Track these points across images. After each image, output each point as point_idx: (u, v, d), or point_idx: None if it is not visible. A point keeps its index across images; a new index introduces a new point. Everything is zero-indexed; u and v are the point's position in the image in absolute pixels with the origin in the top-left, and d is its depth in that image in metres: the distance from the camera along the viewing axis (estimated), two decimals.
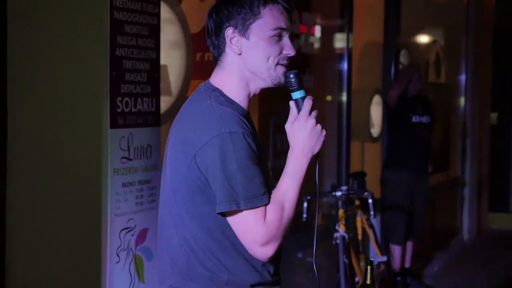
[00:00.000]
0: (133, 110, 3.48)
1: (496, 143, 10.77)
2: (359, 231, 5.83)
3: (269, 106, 5.41)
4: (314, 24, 6.03)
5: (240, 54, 2.32)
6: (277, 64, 2.32)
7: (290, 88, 2.32)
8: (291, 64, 5.55)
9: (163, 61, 3.84)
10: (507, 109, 11.44)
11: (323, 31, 6.29)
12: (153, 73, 3.62)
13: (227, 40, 2.32)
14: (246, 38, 2.31)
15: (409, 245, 6.87)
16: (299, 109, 2.31)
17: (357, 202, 5.79)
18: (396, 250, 6.71)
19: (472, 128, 9.42)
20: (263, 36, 2.30)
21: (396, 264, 6.73)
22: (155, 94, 3.64)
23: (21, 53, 3.39)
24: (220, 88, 2.34)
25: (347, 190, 5.35)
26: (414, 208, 6.76)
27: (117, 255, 3.40)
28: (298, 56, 5.56)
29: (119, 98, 3.39)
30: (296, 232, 5.81)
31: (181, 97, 4.41)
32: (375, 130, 7.36)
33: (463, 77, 9.42)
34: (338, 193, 5.28)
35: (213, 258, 2.29)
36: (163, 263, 2.40)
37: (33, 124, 3.40)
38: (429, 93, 7.88)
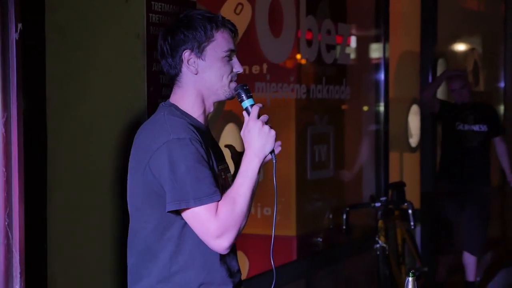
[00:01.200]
0: None
1: None
2: (399, 242, 5.79)
3: (306, 118, 5.40)
4: (350, 34, 6.02)
5: (196, 74, 2.64)
6: (230, 81, 2.66)
7: (239, 99, 2.63)
8: (331, 75, 5.54)
9: None
10: None
11: (359, 41, 6.27)
12: None
13: (184, 61, 2.65)
14: (202, 59, 2.65)
15: (472, 259, 6.70)
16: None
17: (396, 213, 5.75)
18: (440, 260, 6.64)
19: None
20: (217, 57, 2.64)
21: (440, 276, 6.66)
22: None
23: (60, 70, 3.42)
24: (177, 104, 2.67)
25: (386, 201, 5.32)
26: (467, 221, 6.62)
27: None
28: (334, 67, 5.59)
29: None
30: (336, 243, 5.79)
31: (219, 111, 4.44)
32: (414, 140, 7.31)
33: (502, 85, 9.33)
34: (378, 204, 5.26)
35: (158, 260, 2.58)
36: (129, 264, 2.77)
37: (72, 141, 3.42)
38: (484, 101, 7.78)
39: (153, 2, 3.39)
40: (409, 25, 7.27)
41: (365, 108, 6.55)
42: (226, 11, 4.68)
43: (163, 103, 2.71)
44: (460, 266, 6.80)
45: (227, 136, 4.65)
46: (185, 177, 2.43)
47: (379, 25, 6.42)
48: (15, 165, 2.34)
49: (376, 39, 6.47)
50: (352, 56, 6.14)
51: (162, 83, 3.44)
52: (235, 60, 2.69)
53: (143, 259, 2.64)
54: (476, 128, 6.55)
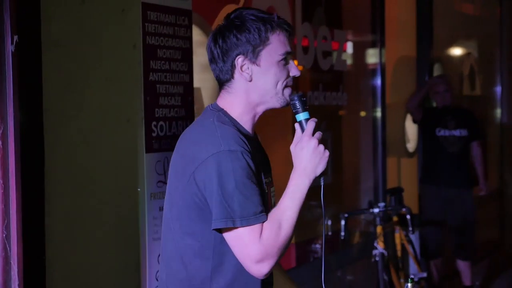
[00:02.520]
0: (168, 134, 3.50)
1: None
2: (398, 247, 5.78)
3: None
4: (346, 40, 6.02)
5: (250, 81, 2.39)
6: (285, 87, 2.40)
7: (294, 111, 2.39)
8: (328, 82, 5.50)
9: (196, 84, 3.86)
10: None
11: (355, 47, 6.28)
12: (187, 96, 3.64)
13: (238, 67, 2.38)
14: (256, 65, 2.38)
15: (464, 264, 6.73)
16: (303, 131, 2.37)
17: (395, 218, 5.75)
18: (431, 264, 6.66)
19: (510, 140, 9.32)
20: (272, 61, 2.38)
21: (434, 279, 6.67)
22: (190, 117, 3.66)
23: (56, 81, 3.41)
24: (226, 110, 2.42)
25: (385, 206, 5.31)
26: (452, 228, 6.67)
27: (157, 279, 3.40)
28: (331, 73, 5.59)
29: (154, 123, 3.41)
30: (335, 250, 5.79)
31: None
32: (411, 145, 7.31)
33: (498, 89, 9.34)
34: (376, 210, 5.24)
35: (197, 276, 2.34)
36: (161, 277, 2.48)
37: (69, 151, 3.42)
38: (465, 106, 7.80)
39: (149, 12, 3.39)
40: (405, 30, 7.27)
41: (362, 113, 6.55)
42: (223, 19, 4.67)
43: (210, 106, 2.47)
44: (451, 271, 6.82)
45: None
46: (233, 193, 2.22)
47: (375, 31, 6.42)
48: (12, 177, 2.32)
49: (372, 45, 6.47)
50: (349, 62, 6.14)
51: (159, 93, 3.44)
52: (291, 63, 2.43)
53: (175, 276, 2.41)
54: (457, 133, 6.58)
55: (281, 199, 2.31)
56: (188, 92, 3.66)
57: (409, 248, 5.94)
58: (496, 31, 9.31)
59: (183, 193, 2.31)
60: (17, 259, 2.32)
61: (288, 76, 2.41)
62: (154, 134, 3.40)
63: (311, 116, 2.38)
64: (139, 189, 3.35)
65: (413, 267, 6.23)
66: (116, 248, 3.39)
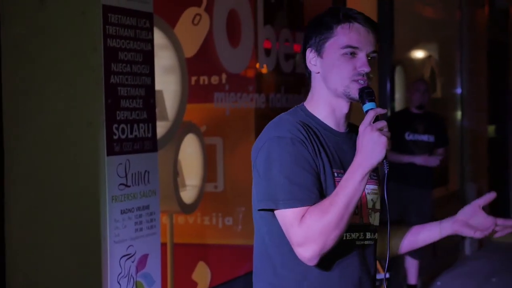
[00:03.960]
0: (130, 136, 3.48)
1: (494, 156, 10.78)
2: None
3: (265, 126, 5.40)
4: None
5: (318, 73, 2.41)
6: (353, 80, 2.34)
7: (361, 103, 2.33)
8: (290, 84, 5.47)
9: (158, 86, 3.85)
10: (505, 121, 11.45)
11: None
12: (148, 99, 3.63)
13: (307, 60, 2.43)
14: (321, 57, 2.40)
15: (413, 262, 6.84)
16: None
17: None
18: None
19: (470, 142, 9.42)
20: (335, 54, 2.36)
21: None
22: (151, 120, 3.65)
23: (16, 84, 3.40)
24: (306, 105, 2.45)
25: None
26: (410, 226, 6.75)
27: (118, 282, 3.39)
28: (293, 76, 5.61)
29: (115, 125, 3.40)
30: None
31: (177, 122, 4.43)
32: None
33: (458, 91, 9.44)
34: None
35: (272, 265, 2.37)
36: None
37: (29, 154, 3.40)
38: (426, 108, 7.88)
39: (109, 14, 3.38)
40: None
41: None
42: (184, 22, 4.68)
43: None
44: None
45: (186, 147, 4.64)
46: (277, 177, 2.25)
47: None
48: None
49: None
50: None
51: (120, 95, 3.43)
52: (360, 57, 2.35)
53: (260, 263, 2.44)
54: (425, 138, 6.67)
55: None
56: (150, 94, 3.65)
57: None
58: (456, 34, 9.41)
59: (255, 185, 2.37)
60: None
61: (354, 69, 2.34)
62: (115, 137, 3.39)
63: (377, 106, 2.31)
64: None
65: None
66: (77, 251, 3.37)
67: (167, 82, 4.32)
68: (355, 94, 2.34)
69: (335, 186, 2.32)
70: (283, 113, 2.44)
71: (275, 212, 2.29)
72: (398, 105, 7.59)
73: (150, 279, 3.60)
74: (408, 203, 6.71)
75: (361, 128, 2.24)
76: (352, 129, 2.51)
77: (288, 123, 2.35)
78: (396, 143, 6.66)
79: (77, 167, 3.36)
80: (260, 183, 2.32)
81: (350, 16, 2.37)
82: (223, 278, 4.87)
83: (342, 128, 2.45)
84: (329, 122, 2.42)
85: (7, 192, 3.38)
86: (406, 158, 6.58)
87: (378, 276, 5.64)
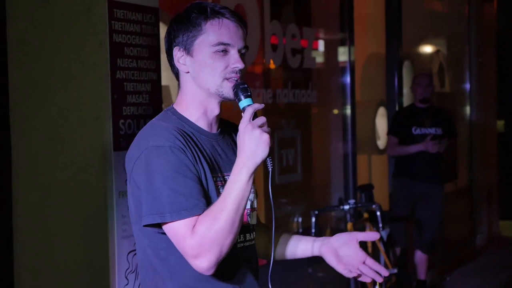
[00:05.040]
0: (136, 132, 3.48)
1: (504, 151, 10.74)
2: (369, 244, 5.81)
3: (273, 122, 5.40)
4: (315, 38, 6.04)
5: (187, 72, 2.33)
6: (224, 78, 2.27)
7: (236, 100, 2.27)
8: (297, 80, 5.48)
9: (164, 81, 3.85)
10: None
11: (324, 45, 6.30)
12: (154, 94, 3.63)
13: (175, 59, 2.34)
14: (191, 56, 2.30)
15: (423, 257, 6.83)
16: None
17: (365, 215, 5.78)
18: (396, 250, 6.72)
19: (479, 137, 9.40)
20: (206, 52, 2.27)
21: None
22: None
23: (22, 79, 3.39)
24: (176, 108, 2.37)
25: (355, 203, 5.33)
26: (419, 220, 6.74)
27: (126, 277, 3.39)
28: (300, 71, 5.60)
29: (122, 121, 3.40)
30: None
31: None
32: (381, 142, 7.35)
33: (467, 86, 9.41)
34: (346, 207, 5.27)
35: (159, 278, 2.28)
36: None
37: (36, 150, 3.40)
38: (434, 103, 7.86)
39: (115, 10, 3.38)
40: (374, 28, 7.31)
41: (333, 111, 6.58)
42: None
43: (166, 108, 2.42)
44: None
45: None
46: (161, 188, 2.14)
47: (344, 29, 6.45)
48: None
49: (342, 43, 6.50)
50: (318, 60, 6.16)
51: (127, 91, 3.43)
52: (232, 54, 2.28)
53: (147, 277, 2.34)
54: (432, 131, 6.67)
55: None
56: (156, 90, 3.65)
57: (379, 245, 5.97)
58: (465, 28, 9.38)
59: (131, 196, 2.29)
60: None
61: (226, 67, 2.27)
62: (122, 132, 3.39)
63: (254, 102, 2.26)
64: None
65: (382, 262, 6.26)
66: (84, 246, 3.38)
67: (173, 78, 4.29)
68: (228, 93, 2.28)
69: (216, 191, 2.25)
70: (154, 119, 2.33)
71: (163, 226, 2.18)
72: (406, 100, 7.58)
73: None
74: (418, 199, 6.70)
75: (241, 127, 2.17)
76: (224, 127, 2.44)
77: (164, 130, 2.23)
78: (404, 138, 6.64)
79: (84, 163, 3.36)
80: (141, 197, 2.20)
81: (218, 12, 2.29)
82: None
83: (214, 129, 2.38)
84: (202, 124, 2.34)
85: (15, 187, 3.39)
86: (411, 148, 6.58)
87: (390, 272, 5.66)
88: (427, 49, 8.72)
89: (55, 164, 3.41)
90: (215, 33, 2.27)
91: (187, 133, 2.28)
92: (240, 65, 2.27)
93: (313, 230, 5.03)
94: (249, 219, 2.39)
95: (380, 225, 5.28)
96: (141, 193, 2.21)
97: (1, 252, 2.99)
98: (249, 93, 2.26)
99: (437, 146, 6.51)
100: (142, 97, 3.53)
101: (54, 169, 3.41)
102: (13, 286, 3.39)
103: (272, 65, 5.33)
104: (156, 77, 3.65)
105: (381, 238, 6.05)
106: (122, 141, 3.39)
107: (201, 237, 2.12)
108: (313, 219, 5.02)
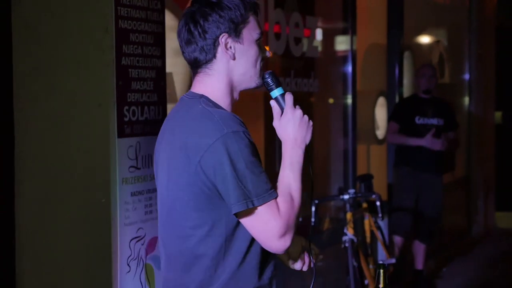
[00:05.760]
0: (140, 118, 3.47)
1: (501, 142, 10.76)
2: (368, 233, 5.82)
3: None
4: (318, 27, 6.02)
5: (234, 59, 2.37)
6: (260, 67, 2.42)
7: (268, 88, 2.41)
8: (299, 68, 5.47)
9: (168, 68, 3.83)
10: (511, 107, 11.43)
11: (326, 34, 6.28)
12: (159, 81, 3.62)
13: (221, 45, 2.36)
14: (239, 43, 2.38)
15: (421, 247, 6.85)
16: (281, 106, 2.39)
17: (364, 205, 5.79)
18: (397, 240, 6.71)
19: (477, 127, 9.40)
20: (252, 40, 2.39)
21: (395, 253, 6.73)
22: (162, 102, 3.63)
23: (27, 65, 3.38)
24: (206, 94, 2.38)
25: (355, 193, 5.34)
26: (421, 210, 6.76)
27: (128, 264, 3.39)
28: (302, 60, 5.58)
29: (126, 107, 3.38)
30: (304, 237, 5.79)
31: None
32: (380, 132, 7.35)
33: (466, 77, 9.41)
34: (346, 197, 5.27)
35: (210, 268, 2.30)
36: (168, 276, 2.44)
37: (40, 135, 3.39)
38: (434, 94, 7.85)
39: None
40: (375, 18, 7.29)
41: (333, 100, 6.57)
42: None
43: (186, 95, 2.42)
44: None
45: None
46: (245, 174, 2.20)
47: (347, 18, 6.43)
48: None
49: (344, 32, 6.48)
50: (320, 49, 6.15)
51: (131, 77, 3.41)
52: (261, 44, 2.45)
53: (187, 270, 2.35)
54: (434, 121, 6.68)
55: (280, 173, 2.33)
56: (161, 77, 3.63)
57: (378, 234, 5.98)
58: (465, 19, 9.37)
59: (189, 185, 2.26)
60: None
61: (260, 56, 2.42)
62: (126, 119, 3.38)
63: (285, 90, 2.41)
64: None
65: (381, 253, 6.27)
66: (87, 233, 3.37)
67: (176, 64, 4.30)
68: (260, 81, 2.42)
69: None
70: (204, 106, 2.32)
71: (248, 210, 2.23)
72: (406, 90, 7.57)
73: (159, 262, 3.58)
74: (421, 189, 6.71)
75: (289, 112, 2.35)
76: None
77: (229, 116, 2.28)
78: (406, 128, 6.64)
79: (88, 149, 3.35)
80: (224, 184, 2.22)
81: (255, 5, 2.42)
82: None
83: None
84: (230, 111, 2.41)
85: (18, 172, 3.38)
86: (412, 141, 6.57)
87: (388, 262, 5.66)
88: (428, 39, 8.71)
89: (58, 150, 3.40)
90: (257, 24, 2.41)
91: (239, 119, 2.34)
92: (269, 54, 2.47)
93: (312, 219, 5.03)
94: None
95: (380, 215, 5.28)
96: (220, 181, 2.23)
97: (3, 239, 2.98)
98: (280, 82, 2.43)
99: (437, 144, 6.51)
100: (146, 83, 3.52)
101: (58, 155, 3.40)
102: (15, 271, 3.39)
103: (274, 54, 5.31)
104: (160, 64, 3.63)
105: (379, 228, 6.05)
106: (126, 128, 3.38)
107: (288, 216, 2.25)
108: (313, 209, 5.01)
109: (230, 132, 2.21)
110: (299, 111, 2.36)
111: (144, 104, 3.50)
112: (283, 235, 2.24)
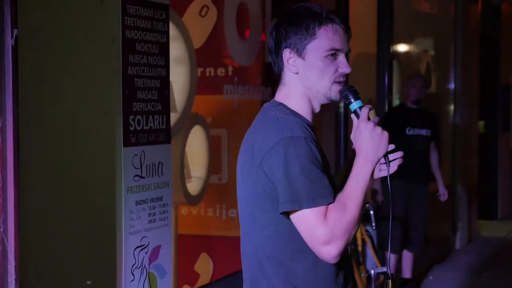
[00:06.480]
0: (145, 128, 3.49)
1: (484, 151, 10.85)
2: (359, 242, 5.86)
3: None
4: None
5: (297, 73, 2.41)
6: (334, 82, 2.40)
7: (346, 102, 2.42)
8: None
9: None
10: (494, 117, 11.52)
11: None
12: (163, 90, 3.63)
13: (284, 60, 2.41)
14: (302, 59, 2.39)
15: (409, 256, 6.90)
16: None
17: None
18: (391, 258, 6.74)
19: (462, 137, 9.48)
20: (318, 56, 2.38)
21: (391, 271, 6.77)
22: (166, 112, 3.65)
23: (33, 72, 3.38)
24: (284, 103, 2.44)
25: None
26: (411, 220, 6.81)
27: (132, 273, 3.40)
28: None
29: (132, 117, 3.40)
30: None
31: (186, 113, 4.43)
32: None
33: (452, 86, 9.49)
34: None
35: (280, 268, 2.36)
36: (247, 275, 2.49)
37: (46, 143, 3.39)
38: (421, 103, 7.91)
39: (128, 5, 3.37)
40: (364, 27, 7.33)
41: (326, 109, 6.59)
42: (191, 13, 4.68)
43: (268, 103, 2.48)
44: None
45: (192, 139, 4.64)
46: (298, 177, 2.25)
47: None
48: (10, 172, 2.29)
49: None
50: None
51: (137, 87, 3.43)
52: (341, 59, 2.40)
53: (261, 270, 2.41)
54: (423, 132, 6.76)
55: (346, 184, 2.34)
56: (164, 86, 3.65)
57: (369, 243, 6.02)
58: (450, 28, 9.45)
59: (253, 186, 2.35)
60: (14, 253, 2.28)
61: (336, 71, 2.39)
62: (131, 128, 3.39)
63: (364, 104, 2.40)
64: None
65: (372, 261, 6.30)
66: (92, 241, 3.38)
67: (177, 73, 4.32)
68: (335, 96, 2.41)
69: (330, 182, 2.34)
70: (276, 112, 2.38)
71: (293, 214, 2.29)
72: (394, 99, 7.63)
73: (162, 270, 3.61)
74: (410, 198, 6.77)
75: (361, 125, 2.34)
76: None
77: (294, 122, 2.34)
78: (396, 139, 6.68)
79: (93, 158, 3.36)
80: (275, 186, 2.29)
81: (331, 18, 2.39)
82: (226, 269, 4.88)
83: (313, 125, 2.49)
84: (310, 119, 2.45)
85: (23, 180, 3.37)
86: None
87: (378, 270, 5.69)
88: (415, 49, 8.77)
89: (64, 159, 3.40)
90: (328, 38, 2.38)
91: (306, 127, 2.37)
92: (348, 70, 2.40)
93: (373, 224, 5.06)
94: None
95: (373, 224, 5.31)
96: (276, 182, 2.29)
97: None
98: (359, 95, 2.41)
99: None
100: (151, 93, 3.54)
101: (63, 164, 3.40)
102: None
103: (268, 63, 5.33)
104: (165, 74, 3.65)
105: (370, 236, 6.09)
106: (132, 137, 3.39)
107: (334, 225, 2.25)
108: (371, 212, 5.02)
109: (289, 136, 2.28)
110: (370, 124, 2.34)
111: (148, 113, 3.51)
112: (327, 242, 2.25)
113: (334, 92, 2.40)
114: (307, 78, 2.40)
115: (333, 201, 2.28)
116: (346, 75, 2.39)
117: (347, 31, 2.43)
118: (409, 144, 6.65)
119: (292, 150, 2.27)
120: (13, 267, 2.28)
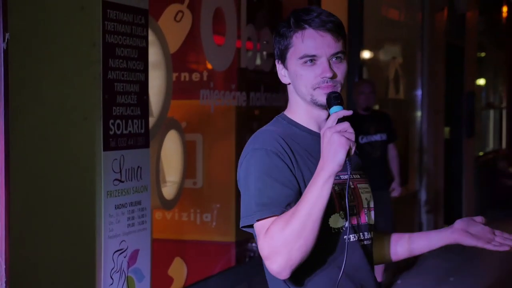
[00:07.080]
0: (124, 132, 3.50)
1: (449, 157, 10.97)
2: None
3: (246, 124, 5.45)
4: None
5: (289, 84, 2.34)
6: (316, 88, 2.26)
7: (328, 109, 2.26)
8: (269, 83, 5.45)
9: None
10: (459, 123, 11.66)
11: None
12: (142, 95, 3.65)
13: (278, 72, 2.36)
14: (286, 69, 2.32)
15: None
16: None
17: None
18: (379, 267, 6.80)
19: (428, 143, 9.58)
20: (296, 64, 2.27)
21: None
22: (144, 116, 3.67)
23: (13, 77, 3.37)
24: (286, 113, 2.37)
25: None
26: (377, 226, 6.86)
27: (111, 277, 3.41)
28: (272, 74, 5.65)
29: (112, 121, 3.41)
30: None
31: (162, 117, 4.44)
32: None
33: (419, 93, 9.58)
34: None
35: (279, 279, 2.25)
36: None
37: (26, 147, 3.39)
38: (390, 110, 8.00)
39: (109, 10, 3.39)
40: None
41: None
42: (166, 18, 4.69)
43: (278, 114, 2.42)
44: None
45: (168, 143, 4.66)
46: (253, 190, 2.17)
47: None
48: (1, 174, 2.28)
49: None
50: None
51: (117, 91, 3.44)
52: (319, 64, 2.24)
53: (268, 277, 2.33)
54: (377, 137, 6.72)
55: None
56: (143, 90, 3.67)
57: None
58: (418, 36, 9.55)
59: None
60: (5, 255, 2.28)
61: (315, 77, 2.24)
62: (111, 132, 3.40)
63: (344, 108, 2.22)
64: None
65: None
66: (71, 245, 3.38)
67: (153, 78, 4.32)
68: (322, 100, 2.26)
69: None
70: (267, 125, 2.35)
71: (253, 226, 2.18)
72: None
73: (140, 274, 3.62)
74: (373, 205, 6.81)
75: (322, 132, 2.16)
76: None
77: (267, 135, 2.26)
78: None
79: (73, 162, 3.37)
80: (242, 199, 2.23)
81: (302, 22, 2.26)
82: (200, 274, 4.90)
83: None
84: (312, 126, 2.34)
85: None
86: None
87: None
88: (384, 55, 8.86)
89: (44, 163, 3.40)
90: (300, 45, 2.26)
91: (296, 137, 2.29)
92: (328, 74, 2.24)
93: None
94: (366, 218, 2.48)
95: None
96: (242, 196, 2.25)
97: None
98: (339, 101, 2.23)
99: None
100: (130, 97, 3.55)
101: (43, 168, 3.40)
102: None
103: (245, 68, 5.36)
104: (143, 78, 3.67)
105: None
106: (112, 141, 3.41)
107: (271, 239, 2.09)
108: None
109: (253, 149, 2.22)
110: (328, 131, 2.13)
111: (128, 117, 3.53)
112: (267, 257, 2.11)
113: (319, 96, 2.26)
114: (296, 86, 2.31)
115: (277, 214, 2.12)
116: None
117: (330, 32, 2.24)
118: (365, 152, 6.63)
119: (252, 162, 2.20)
120: (3, 269, 2.27)
